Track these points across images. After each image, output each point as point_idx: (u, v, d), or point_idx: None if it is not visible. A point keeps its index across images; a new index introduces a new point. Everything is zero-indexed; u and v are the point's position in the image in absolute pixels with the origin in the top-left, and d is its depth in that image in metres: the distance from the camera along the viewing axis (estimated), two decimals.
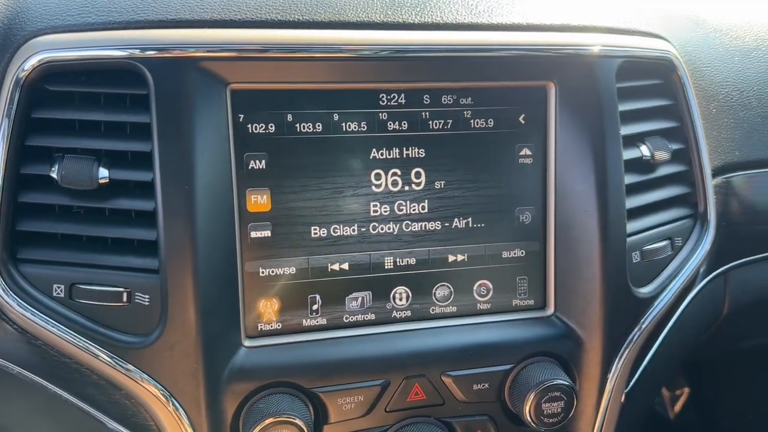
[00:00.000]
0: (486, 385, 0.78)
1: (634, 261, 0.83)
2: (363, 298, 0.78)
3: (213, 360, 0.70)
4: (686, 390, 1.71)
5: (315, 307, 0.77)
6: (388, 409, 0.76)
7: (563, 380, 0.77)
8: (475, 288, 0.82)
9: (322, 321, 0.77)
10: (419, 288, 0.80)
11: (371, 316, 0.78)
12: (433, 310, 0.80)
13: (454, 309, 0.81)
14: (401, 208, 0.78)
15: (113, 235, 0.71)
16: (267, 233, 0.74)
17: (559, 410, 0.77)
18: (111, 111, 0.70)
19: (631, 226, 0.82)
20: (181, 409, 0.71)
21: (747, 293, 1.02)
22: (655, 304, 0.84)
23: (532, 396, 0.76)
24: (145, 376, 0.70)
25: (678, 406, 1.73)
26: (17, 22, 0.70)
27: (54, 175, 0.69)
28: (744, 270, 1.00)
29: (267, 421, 0.69)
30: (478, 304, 0.82)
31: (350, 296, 0.78)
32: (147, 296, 0.69)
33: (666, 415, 1.74)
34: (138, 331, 0.70)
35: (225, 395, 0.71)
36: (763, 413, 1.53)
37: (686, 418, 1.72)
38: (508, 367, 0.79)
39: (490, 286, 0.82)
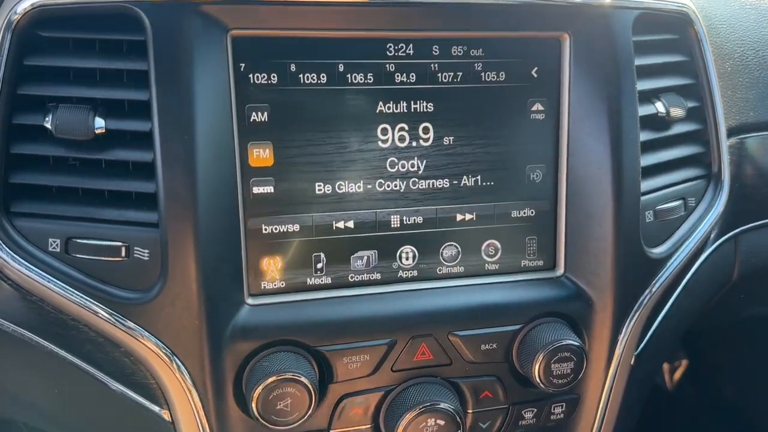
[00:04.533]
0: (494, 346, 0.77)
1: (647, 220, 0.81)
2: (369, 257, 0.76)
3: (215, 317, 0.68)
4: (684, 361, 1.70)
5: (319, 265, 0.75)
6: (394, 369, 0.75)
7: (573, 341, 0.76)
8: (483, 248, 0.79)
9: (327, 280, 0.75)
10: (426, 247, 0.78)
11: (377, 276, 0.76)
12: (440, 270, 0.78)
13: (462, 269, 0.79)
14: (408, 164, 0.76)
15: (110, 187, 0.68)
16: (270, 189, 0.72)
17: (569, 371, 0.75)
18: (107, 58, 0.67)
19: (645, 184, 0.80)
20: (183, 367, 0.69)
21: (758, 258, 1.00)
22: (668, 265, 0.83)
23: (540, 357, 0.75)
24: (146, 333, 0.68)
25: (677, 377, 1.73)
26: None
27: (48, 125, 0.67)
28: (755, 234, 0.99)
29: (271, 379, 0.67)
30: (486, 265, 0.80)
31: (355, 255, 0.76)
32: (146, 250, 0.67)
33: (664, 386, 1.74)
34: (137, 286, 0.68)
35: (228, 353, 0.69)
36: (763, 383, 1.52)
37: (685, 389, 1.72)
38: (516, 327, 0.77)
39: (499, 246, 0.80)
